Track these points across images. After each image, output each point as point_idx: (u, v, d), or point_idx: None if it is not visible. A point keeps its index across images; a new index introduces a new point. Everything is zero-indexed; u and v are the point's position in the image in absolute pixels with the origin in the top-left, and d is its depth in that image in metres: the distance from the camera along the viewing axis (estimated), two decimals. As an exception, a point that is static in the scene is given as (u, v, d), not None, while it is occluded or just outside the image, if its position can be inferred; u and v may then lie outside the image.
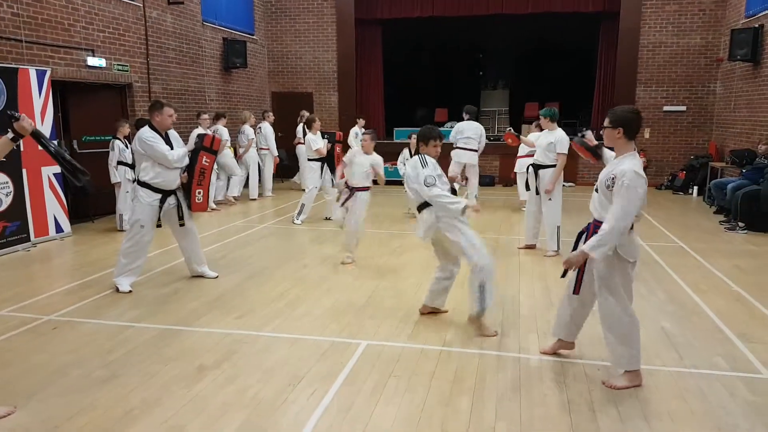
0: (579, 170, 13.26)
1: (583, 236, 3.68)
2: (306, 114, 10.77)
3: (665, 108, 12.98)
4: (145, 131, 5.49)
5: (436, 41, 15.94)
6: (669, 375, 3.78)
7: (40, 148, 3.82)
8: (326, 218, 9.08)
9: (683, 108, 12.90)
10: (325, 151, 8.67)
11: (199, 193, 5.81)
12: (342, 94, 14.33)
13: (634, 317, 3.58)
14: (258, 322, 4.76)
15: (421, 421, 3.21)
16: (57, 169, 7.90)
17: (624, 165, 3.40)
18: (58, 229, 7.98)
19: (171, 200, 5.63)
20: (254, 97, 14.07)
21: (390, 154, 10.27)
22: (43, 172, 7.76)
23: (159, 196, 5.56)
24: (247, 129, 11.24)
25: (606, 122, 3.53)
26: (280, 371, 3.85)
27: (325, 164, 8.79)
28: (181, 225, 5.71)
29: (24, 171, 7.38)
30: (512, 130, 8.72)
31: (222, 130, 10.34)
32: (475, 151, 9.46)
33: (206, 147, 6.01)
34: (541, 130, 7.22)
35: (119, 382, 3.72)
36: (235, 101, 13.14)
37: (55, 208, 7.93)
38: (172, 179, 5.63)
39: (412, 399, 3.46)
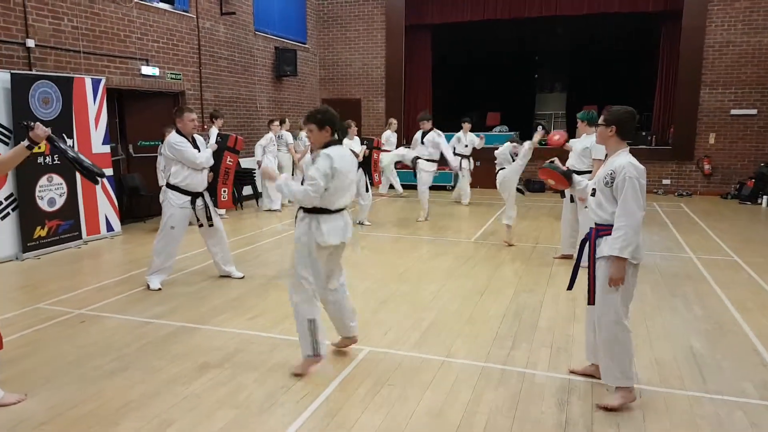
0: (637, 177, 12.65)
1: (586, 244, 3.48)
2: (352, 123, 10.84)
3: (733, 112, 12.22)
4: (174, 136, 5.71)
5: (488, 45, 15.70)
6: (686, 399, 3.49)
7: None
8: (359, 223, 9.08)
9: (754, 111, 12.09)
10: (362, 157, 8.69)
11: (224, 191, 5.99)
12: (389, 100, 14.38)
13: (627, 328, 3.34)
14: (269, 323, 4.80)
15: None
16: (109, 171, 8.32)
17: (620, 160, 3.29)
18: (109, 228, 8.38)
19: (200, 202, 5.80)
20: (305, 105, 14.32)
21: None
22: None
23: (188, 198, 5.75)
24: (304, 135, 11.45)
25: (600, 119, 3.44)
26: (277, 373, 3.86)
27: (361, 169, 8.80)
28: (210, 225, 5.87)
29: (78, 173, 7.79)
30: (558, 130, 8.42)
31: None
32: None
33: (230, 147, 6.21)
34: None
35: (126, 375, 3.86)
36: (286, 108, 13.42)
37: (106, 209, 8.34)
38: (200, 181, 5.81)
39: (401, 409, 3.37)
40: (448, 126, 14.49)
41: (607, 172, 3.29)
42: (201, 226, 5.87)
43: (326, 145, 3.74)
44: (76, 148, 7.68)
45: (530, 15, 13.29)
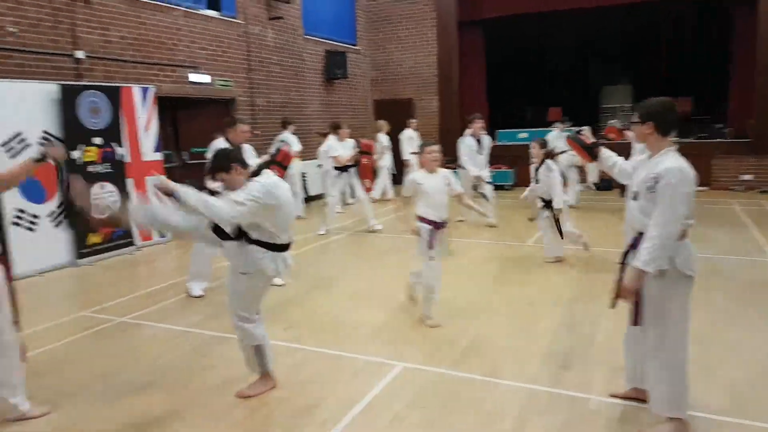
0: (713, 172, 11.74)
1: (627, 255, 3.04)
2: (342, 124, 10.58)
3: (821, 100, 11.10)
4: (219, 143, 5.62)
5: (546, 38, 15.02)
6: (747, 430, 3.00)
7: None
8: (371, 230, 8.74)
9: None
10: (353, 160, 8.52)
11: (264, 202, 5.84)
12: (443, 97, 13.98)
13: (687, 351, 2.90)
14: (302, 335, 4.58)
15: (433, 465, 2.81)
16: (164, 178, 8.36)
17: (666, 162, 2.82)
18: (162, 234, 8.44)
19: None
20: (357, 107, 14.15)
21: (492, 157, 9.63)
22: (147, 181, 8.24)
23: (228, 206, 5.65)
24: (382, 137, 11.36)
25: (634, 116, 3.00)
26: (303, 390, 3.63)
27: (352, 170, 8.67)
28: None
29: (130, 180, 7.88)
30: (618, 122, 7.83)
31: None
32: None
33: (278, 162, 6.06)
34: None
35: (150, 391, 3.74)
36: (337, 111, 13.28)
37: (158, 216, 8.38)
38: (239, 189, 5.68)
39: (433, 437, 3.05)
40: (504, 123, 14.05)
41: (650, 175, 2.85)
42: None
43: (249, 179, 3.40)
44: (127, 158, 7.79)
45: (589, 5, 12.60)
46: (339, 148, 8.58)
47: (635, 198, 2.98)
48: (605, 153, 3.43)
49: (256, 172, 3.48)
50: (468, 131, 8.90)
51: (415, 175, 4.74)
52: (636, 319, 3.02)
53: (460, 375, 3.76)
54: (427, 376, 3.76)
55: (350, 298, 5.53)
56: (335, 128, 8.80)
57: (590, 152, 3.44)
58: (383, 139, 11.59)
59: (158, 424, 3.30)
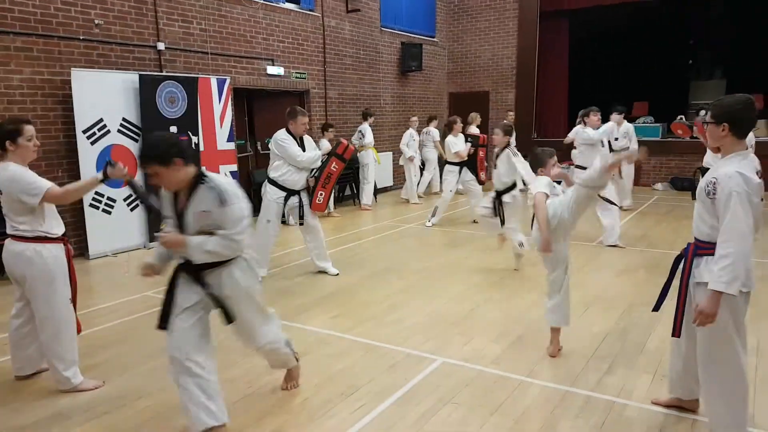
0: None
1: (682, 261, 2.84)
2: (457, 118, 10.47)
3: None
4: (281, 133, 5.80)
5: (633, 29, 14.24)
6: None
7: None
8: (474, 221, 8.65)
9: None
10: (465, 155, 8.28)
11: (321, 194, 5.97)
12: (520, 91, 13.63)
13: (743, 368, 2.67)
14: (348, 324, 4.63)
15: (455, 460, 2.77)
16: (233, 167, 8.72)
17: (728, 167, 2.58)
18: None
19: (294, 200, 5.83)
20: (431, 99, 14.06)
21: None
22: (220, 170, 8.57)
23: (284, 194, 5.81)
24: (473, 130, 11.35)
25: (708, 116, 2.72)
26: (340, 378, 3.67)
27: (465, 168, 8.40)
28: (300, 224, 5.89)
29: (203, 168, 8.23)
30: (683, 119, 7.32)
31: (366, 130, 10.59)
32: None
33: (338, 154, 6.19)
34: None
35: (197, 369, 3.88)
36: (410, 104, 13.26)
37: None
38: (298, 180, 5.84)
39: (459, 432, 3.01)
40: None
41: (710, 179, 2.62)
42: (284, 222, 5.91)
43: (198, 181, 2.84)
44: (201, 146, 8.15)
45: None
46: (458, 143, 8.56)
47: (695, 199, 2.78)
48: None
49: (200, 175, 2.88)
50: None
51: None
52: (677, 330, 2.84)
53: (497, 373, 3.68)
54: (465, 372, 3.71)
55: (402, 290, 5.53)
56: (451, 124, 8.78)
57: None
58: (475, 132, 11.38)
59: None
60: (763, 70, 13.64)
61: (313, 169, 6.07)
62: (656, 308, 3.08)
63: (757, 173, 2.61)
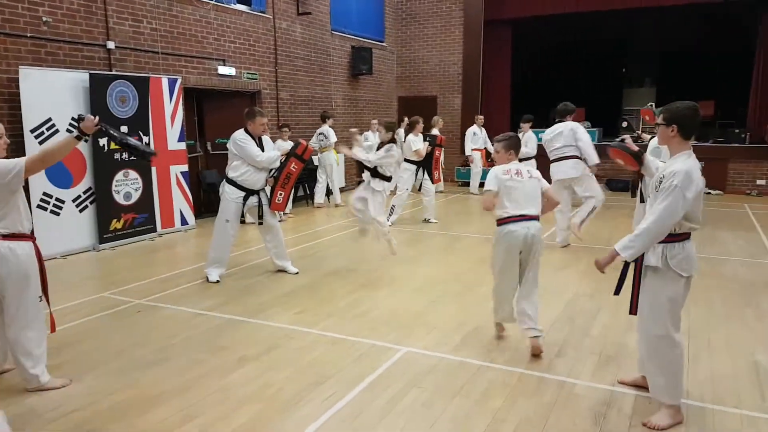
0: (729, 176, 11.67)
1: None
2: (439, 119, 10.93)
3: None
4: (240, 133, 5.88)
5: (571, 39, 15.03)
6: (737, 419, 3.13)
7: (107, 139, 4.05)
8: (425, 220, 8.97)
9: None
10: (424, 153, 8.56)
11: (281, 194, 6.07)
12: (466, 96, 14.11)
13: (676, 343, 3.04)
14: (312, 320, 4.79)
15: (424, 438, 2.99)
16: (184, 167, 8.70)
17: (675, 165, 2.95)
18: (183, 221, 8.75)
19: (253, 199, 5.92)
20: (381, 103, 14.34)
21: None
22: (171, 170, 8.55)
23: (243, 193, 5.89)
24: (435, 132, 11.57)
25: (659, 119, 3.09)
26: (310, 369, 3.83)
27: (422, 167, 8.70)
28: (260, 223, 5.98)
29: (153, 169, 8.19)
30: (653, 105, 7.85)
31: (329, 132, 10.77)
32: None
33: (297, 154, 6.29)
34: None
35: (165, 366, 3.95)
36: (361, 107, 13.48)
37: (181, 203, 8.70)
38: (257, 179, 5.93)
39: (426, 413, 3.24)
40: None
41: (659, 176, 2.99)
42: (243, 222, 6.00)
43: None
44: (152, 146, 8.07)
45: (615, 7, 12.61)
46: (419, 142, 8.77)
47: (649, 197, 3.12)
48: (648, 158, 3.56)
49: None
50: None
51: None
52: (633, 308, 3.17)
53: (458, 359, 3.94)
54: (428, 360, 3.95)
55: (362, 287, 5.72)
56: (414, 123, 8.99)
57: (638, 159, 3.55)
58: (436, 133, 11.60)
59: (169, 397, 3.50)
60: (689, 78, 14.63)
61: (271, 170, 6.17)
62: (616, 292, 3.39)
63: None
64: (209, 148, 10.30)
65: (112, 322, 4.87)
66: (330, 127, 10.79)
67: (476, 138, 11.74)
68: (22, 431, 3.13)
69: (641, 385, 3.44)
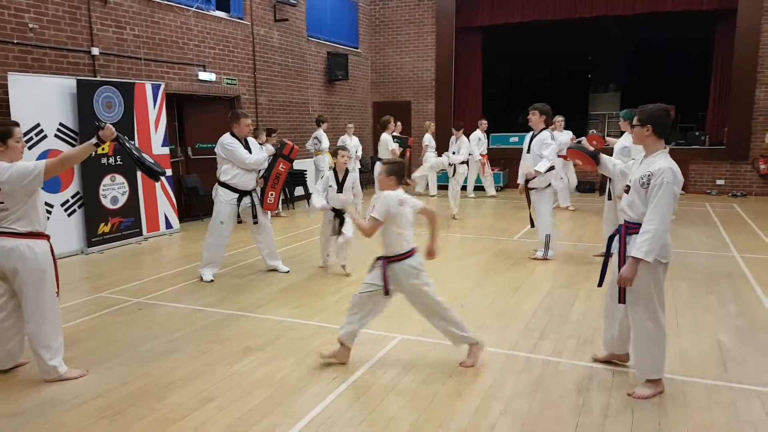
0: (690, 176, 12.32)
1: (615, 239, 3.54)
2: (431, 124, 11.44)
3: (790, 111, 11.79)
4: (227, 137, 6.09)
5: (539, 46, 15.61)
6: (704, 387, 3.55)
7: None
8: None
9: (812, 110, 11.64)
10: (398, 153, 8.93)
11: (272, 195, 6.32)
12: (439, 101, 14.54)
13: (662, 326, 3.42)
14: (309, 313, 5.06)
15: (425, 412, 3.30)
16: (168, 172, 8.85)
17: (660, 163, 3.30)
18: (168, 225, 8.90)
19: (246, 200, 6.15)
20: (356, 108, 14.66)
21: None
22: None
23: (236, 195, 6.11)
24: (428, 137, 11.89)
25: (634, 120, 3.46)
26: (312, 357, 4.08)
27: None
28: (255, 222, 6.22)
29: (139, 173, 8.31)
30: (596, 131, 8.39)
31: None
32: None
33: (284, 155, 6.54)
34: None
35: (175, 356, 4.18)
36: (338, 111, 13.78)
37: (165, 207, 8.86)
38: (248, 180, 6.16)
39: (424, 391, 3.55)
40: (498, 127, 14.59)
41: (645, 173, 3.30)
42: (240, 222, 6.23)
43: None
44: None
45: (582, 15, 13.19)
46: (391, 142, 9.06)
47: (627, 191, 3.46)
48: (604, 158, 3.93)
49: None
50: None
51: None
52: (622, 297, 3.48)
53: (450, 344, 4.23)
54: (422, 345, 4.27)
55: (352, 283, 5.97)
56: (385, 123, 9.33)
57: (595, 158, 3.92)
58: (428, 139, 11.82)
59: (183, 383, 3.74)
60: (652, 84, 15.33)
61: (260, 170, 6.39)
62: (600, 284, 3.75)
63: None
64: (189, 153, 10.45)
65: (115, 319, 5.06)
66: (324, 131, 11.20)
67: (481, 143, 11.90)
68: (47, 418, 3.33)
69: (612, 361, 3.83)
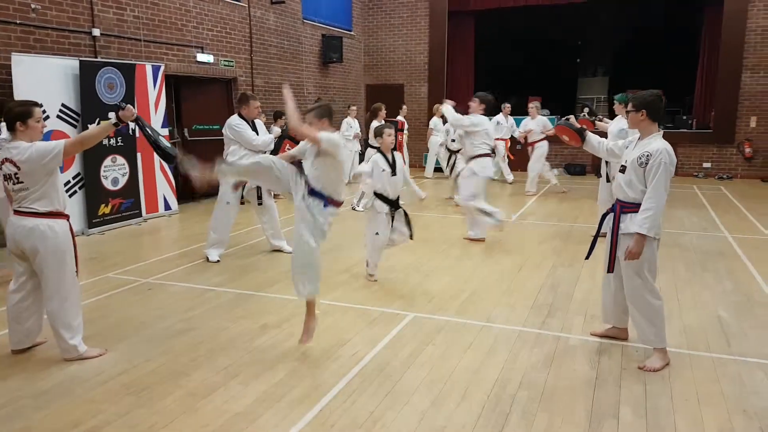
0: (678, 159, 12.48)
1: (608, 217, 3.72)
2: (440, 107, 11.33)
3: (775, 95, 12.08)
4: (234, 119, 6.13)
5: (530, 30, 15.73)
6: (710, 360, 3.73)
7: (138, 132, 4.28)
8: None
9: (796, 94, 11.95)
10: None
11: (277, 176, 6.35)
12: (432, 84, 14.62)
13: (658, 294, 3.61)
14: (321, 291, 5.13)
15: (446, 384, 3.44)
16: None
17: (657, 144, 3.47)
18: (167, 206, 8.92)
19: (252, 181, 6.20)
20: (350, 90, 14.68)
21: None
22: (155, 156, 8.68)
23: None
24: (436, 120, 11.85)
25: (629, 106, 3.62)
26: (330, 333, 4.21)
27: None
28: (259, 204, 6.29)
29: (138, 155, 8.33)
30: (586, 115, 8.50)
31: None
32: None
33: (290, 136, 6.58)
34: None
35: (193, 334, 4.26)
36: (332, 94, 13.79)
37: (164, 188, 8.87)
38: (255, 162, 6.20)
39: (443, 365, 3.69)
40: (489, 110, 14.71)
41: (642, 153, 3.47)
42: (243, 203, 6.28)
43: None
44: (137, 133, 8.21)
45: (573, 0, 13.28)
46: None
47: (623, 171, 3.61)
48: (590, 135, 4.08)
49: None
50: None
51: None
52: (611, 266, 3.70)
53: (462, 321, 4.42)
54: (434, 322, 4.40)
55: (359, 263, 6.08)
56: (376, 110, 9.36)
57: (581, 135, 4.07)
58: (435, 122, 11.76)
59: (205, 359, 3.82)
60: (639, 68, 15.52)
61: (266, 152, 6.44)
62: (588, 257, 3.93)
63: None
64: (186, 134, 10.42)
65: (126, 298, 5.11)
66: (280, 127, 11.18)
67: (500, 127, 11.51)
68: (73, 395, 3.37)
69: (611, 336, 4.01)
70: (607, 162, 6.74)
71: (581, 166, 13.25)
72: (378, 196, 5.31)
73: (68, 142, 3.75)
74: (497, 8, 14.01)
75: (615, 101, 6.79)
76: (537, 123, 10.77)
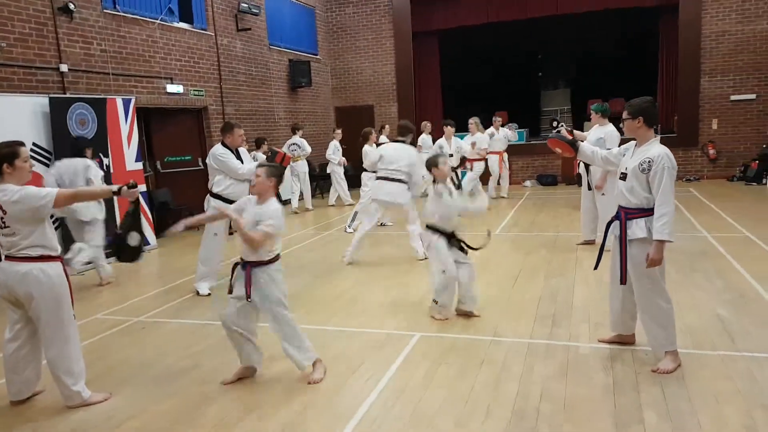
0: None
1: (613, 225, 3.78)
2: (428, 124, 11.55)
3: (732, 98, 12.63)
4: (218, 148, 6.05)
5: (492, 47, 16.08)
6: (718, 358, 3.82)
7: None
8: (380, 224, 9.39)
9: (753, 96, 12.52)
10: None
11: (265, 204, 6.31)
12: (401, 104, 14.78)
13: (669, 298, 3.69)
14: (321, 318, 5.11)
15: (468, 403, 3.43)
16: (143, 187, 8.67)
17: (656, 149, 3.55)
18: (145, 242, 8.70)
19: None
20: (320, 113, 14.71)
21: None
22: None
23: (228, 206, 6.07)
24: (425, 137, 11.71)
25: (625, 115, 3.69)
26: (339, 361, 4.14)
27: None
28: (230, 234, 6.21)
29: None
30: (564, 125, 8.69)
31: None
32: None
33: (277, 164, 6.53)
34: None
35: (199, 371, 4.15)
36: (302, 118, 13.78)
37: (142, 224, 8.65)
38: (241, 191, 6.13)
39: (461, 384, 3.68)
40: (457, 127, 14.90)
41: (644, 159, 3.54)
42: (231, 234, 6.20)
43: None
44: (111, 168, 8.05)
45: (532, 15, 13.67)
46: (374, 151, 9.05)
47: (623, 178, 3.68)
48: (582, 145, 4.17)
49: None
50: None
51: None
52: (623, 278, 3.73)
53: (469, 337, 4.43)
54: (443, 341, 4.40)
55: (354, 286, 6.07)
56: (367, 135, 9.43)
57: (573, 146, 4.15)
58: (427, 139, 11.54)
59: (217, 395, 3.72)
60: (600, 79, 15.99)
61: (251, 180, 6.37)
62: (596, 267, 3.99)
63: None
64: (159, 167, 10.26)
65: (120, 339, 4.95)
66: (301, 137, 11.43)
67: (494, 139, 11.50)
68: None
69: (619, 342, 4.05)
70: (587, 171, 6.90)
71: (552, 177, 13.54)
72: (432, 228, 4.79)
73: (60, 193, 3.62)
74: (459, 27, 14.26)
75: (593, 111, 6.96)
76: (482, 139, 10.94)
